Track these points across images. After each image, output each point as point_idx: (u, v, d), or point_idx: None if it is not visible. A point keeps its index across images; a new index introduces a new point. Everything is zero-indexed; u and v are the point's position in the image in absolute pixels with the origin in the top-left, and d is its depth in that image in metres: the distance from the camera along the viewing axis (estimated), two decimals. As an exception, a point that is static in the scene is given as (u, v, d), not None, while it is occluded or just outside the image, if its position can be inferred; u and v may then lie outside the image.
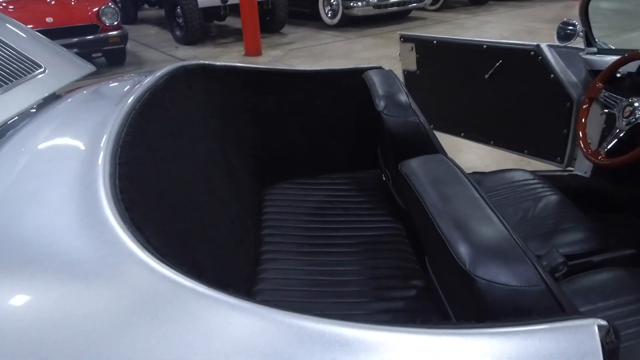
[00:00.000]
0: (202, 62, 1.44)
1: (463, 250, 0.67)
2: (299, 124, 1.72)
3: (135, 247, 0.57)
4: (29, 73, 1.07)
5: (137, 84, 1.05)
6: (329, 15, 8.46)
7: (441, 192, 0.82)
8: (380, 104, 1.31)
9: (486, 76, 2.25)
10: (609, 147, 1.61)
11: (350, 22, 8.33)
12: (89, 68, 1.36)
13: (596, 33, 1.92)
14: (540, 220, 1.61)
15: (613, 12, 7.01)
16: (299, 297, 1.11)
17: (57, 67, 1.17)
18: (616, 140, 1.59)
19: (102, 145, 0.76)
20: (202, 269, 0.93)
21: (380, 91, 1.38)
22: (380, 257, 1.29)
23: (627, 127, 1.54)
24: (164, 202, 0.85)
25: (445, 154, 1.35)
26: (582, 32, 1.82)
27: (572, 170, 2.22)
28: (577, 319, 0.53)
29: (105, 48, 5.65)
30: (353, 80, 1.72)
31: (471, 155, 3.26)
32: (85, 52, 5.52)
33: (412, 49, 2.55)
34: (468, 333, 0.50)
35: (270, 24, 8.14)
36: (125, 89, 1.05)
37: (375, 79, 1.49)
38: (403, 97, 1.32)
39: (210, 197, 1.14)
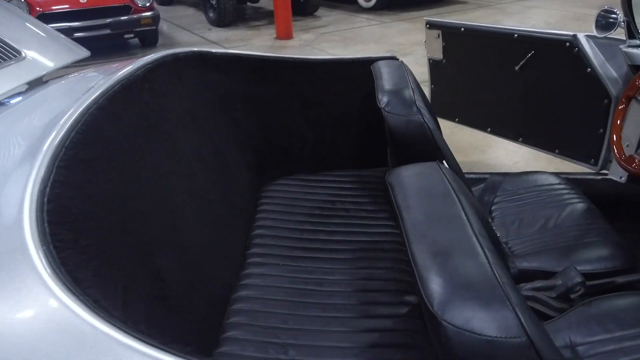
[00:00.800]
0: (199, 49, 1.36)
1: (433, 287, 0.57)
2: (303, 117, 1.63)
3: (45, 271, 0.50)
4: (5, 60, 1.02)
5: (113, 73, 0.99)
6: (365, -3, 8.23)
7: (424, 212, 0.71)
8: (383, 100, 1.20)
9: (517, 68, 2.09)
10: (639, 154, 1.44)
11: (387, 5, 8.07)
12: (81, 54, 1.30)
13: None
14: (563, 231, 1.46)
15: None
16: (277, 307, 1.03)
17: (41, 53, 1.12)
18: None
19: (46, 145, 0.69)
20: (165, 279, 0.86)
21: (385, 85, 1.26)
22: (374, 267, 1.19)
23: None
24: (116, 209, 0.78)
25: (451, 157, 1.23)
26: (623, 22, 1.63)
27: (606, 174, 2.04)
28: None
29: (137, 29, 5.68)
30: (363, 71, 1.60)
31: (500, 151, 3.08)
32: (117, 33, 5.58)
33: (438, 36, 2.40)
34: None
35: (304, 7, 7.99)
36: (102, 79, 0.99)
37: (383, 70, 1.37)
38: (408, 94, 1.20)
39: (189, 198, 1.07)
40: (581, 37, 1.85)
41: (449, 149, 1.25)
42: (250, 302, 1.06)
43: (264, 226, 1.33)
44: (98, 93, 0.89)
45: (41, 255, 0.52)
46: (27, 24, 1.25)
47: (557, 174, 1.78)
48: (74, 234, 0.62)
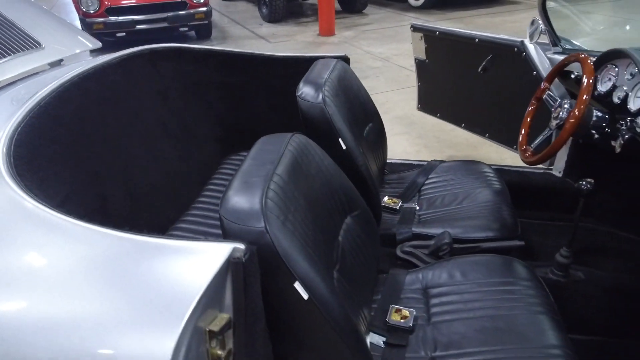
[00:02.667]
0: (175, 45, 1.75)
1: (226, 203, 0.91)
2: (269, 105, 1.98)
3: (5, 176, 0.89)
4: (28, 49, 1.46)
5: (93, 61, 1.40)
6: (415, -4, 8.36)
7: (247, 166, 1.03)
8: (299, 88, 1.53)
9: (479, 70, 2.30)
10: (534, 145, 1.66)
11: (435, 4, 8.16)
12: (93, 45, 1.74)
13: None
14: (466, 206, 1.72)
15: None
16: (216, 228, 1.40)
17: (57, 43, 1.56)
18: (544, 139, 1.64)
19: (25, 105, 1.09)
20: (108, 200, 1.26)
21: (306, 77, 1.58)
22: None
23: (555, 128, 1.58)
24: (74, 150, 1.17)
25: (352, 141, 1.53)
26: (544, 30, 1.82)
27: (551, 169, 2.23)
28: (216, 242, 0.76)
29: (191, 23, 6.27)
30: None
31: (492, 148, 3.25)
32: (174, 27, 6.20)
33: (421, 39, 2.65)
34: None
35: (352, 5, 8.29)
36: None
37: (315, 67, 1.69)
38: (319, 84, 1.51)
39: (144, 152, 1.46)
40: (528, 43, 2.05)
41: (352, 133, 1.55)
42: (189, 224, 1.43)
43: (217, 183, 1.70)
44: (74, 73, 1.30)
45: (3, 169, 0.91)
46: (47, 18, 1.68)
47: (489, 165, 2.01)
48: (32, 159, 1.01)
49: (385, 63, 5.36)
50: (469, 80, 2.43)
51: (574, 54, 1.55)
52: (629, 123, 1.35)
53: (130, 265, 0.75)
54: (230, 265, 0.74)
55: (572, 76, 1.68)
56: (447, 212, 1.71)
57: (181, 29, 6.34)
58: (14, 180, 0.90)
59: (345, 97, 1.67)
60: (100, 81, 1.38)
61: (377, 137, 1.94)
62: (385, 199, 1.84)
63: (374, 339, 1.25)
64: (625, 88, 1.46)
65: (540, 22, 1.82)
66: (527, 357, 1.12)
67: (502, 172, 2.17)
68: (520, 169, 2.21)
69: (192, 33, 6.87)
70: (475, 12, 7.89)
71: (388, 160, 2.23)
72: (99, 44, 1.80)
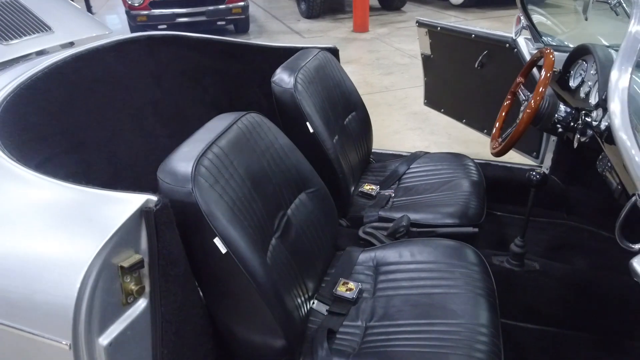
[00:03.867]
0: (174, 32, 1.90)
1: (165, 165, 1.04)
2: (263, 92, 2.10)
3: None
4: (38, 32, 1.65)
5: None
6: (455, -6, 8.25)
7: (205, 129, 1.17)
8: (274, 73, 1.64)
9: (476, 65, 2.33)
10: (502, 137, 1.69)
11: (476, 3, 8.02)
12: (102, 30, 1.92)
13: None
14: (438, 195, 1.78)
15: None
16: None
17: (67, 27, 1.75)
18: (511, 132, 1.67)
19: (18, 79, 1.27)
20: (90, 166, 1.43)
21: (285, 64, 1.69)
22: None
23: None
24: (60, 118, 1.33)
25: (320, 125, 1.62)
26: (526, 27, 1.84)
27: (541, 167, 2.23)
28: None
29: (229, 17, 6.50)
30: None
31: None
32: (211, 21, 6.45)
33: (426, 34, 2.69)
34: None
35: (391, 1, 8.29)
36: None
37: (298, 55, 1.80)
38: (292, 71, 1.62)
39: (131, 126, 1.62)
40: (519, 39, 2.06)
41: (324, 119, 1.65)
42: None
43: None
44: (68, 54, 1.47)
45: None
46: (61, 4, 1.88)
47: (472, 159, 2.05)
48: (16, 124, 1.18)
49: (413, 60, 5.37)
50: (468, 76, 2.45)
51: (541, 49, 1.58)
52: (583, 117, 1.38)
53: (66, 209, 0.89)
54: (143, 213, 0.87)
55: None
56: (418, 200, 1.77)
57: (219, 23, 6.59)
58: None
59: (322, 85, 1.76)
60: (93, 61, 1.54)
61: (360, 126, 2.02)
62: (365, 185, 1.92)
63: (318, 306, 1.34)
64: (590, 83, 1.47)
65: (522, 19, 1.84)
66: (453, 331, 1.18)
67: (488, 166, 2.19)
68: (509, 165, 2.23)
69: (231, 27, 7.12)
70: (515, 11, 7.70)
71: (379, 151, 2.30)
72: (108, 30, 1.98)
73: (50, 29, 1.72)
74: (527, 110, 1.43)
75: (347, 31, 6.97)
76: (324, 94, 1.76)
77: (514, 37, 1.92)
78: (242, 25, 6.96)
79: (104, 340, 0.85)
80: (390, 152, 2.29)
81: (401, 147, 3.40)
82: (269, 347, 1.11)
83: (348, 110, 1.95)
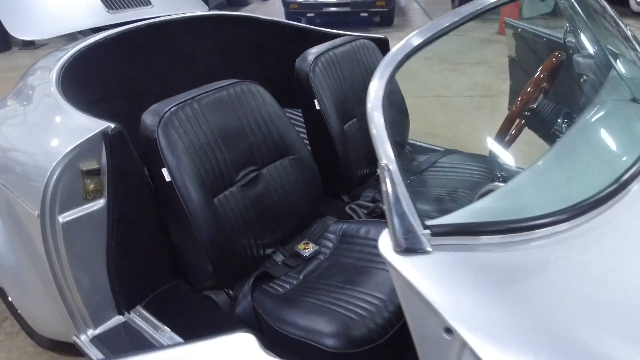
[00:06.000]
0: (245, 14, 2.21)
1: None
2: None
3: (56, 94, 1.49)
4: (139, 6, 2.12)
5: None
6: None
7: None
8: (302, 54, 1.84)
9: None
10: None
11: (664, 11, 6.87)
12: (197, 7, 2.34)
13: None
14: (443, 190, 1.80)
15: None
16: None
17: (166, 4, 2.20)
18: None
19: (81, 44, 1.70)
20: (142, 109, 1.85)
21: (315, 47, 1.87)
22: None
23: None
24: (119, 76, 1.75)
25: (327, 101, 1.78)
26: None
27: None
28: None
29: (372, 10, 6.73)
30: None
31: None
32: (355, 12, 6.76)
33: (512, 36, 2.59)
34: None
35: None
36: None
37: (336, 41, 1.96)
38: (316, 53, 1.80)
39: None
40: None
41: (337, 100, 1.80)
42: None
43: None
44: (144, 23, 1.87)
45: (56, 90, 1.50)
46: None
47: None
48: (83, 67, 1.61)
49: (548, 67, 4.94)
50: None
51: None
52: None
53: (64, 126, 1.27)
54: (102, 135, 1.19)
55: None
56: (422, 191, 1.82)
57: (362, 14, 6.87)
58: (60, 96, 1.48)
59: (346, 71, 1.90)
60: (164, 30, 1.94)
61: (391, 115, 2.10)
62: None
63: (276, 256, 1.54)
64: None
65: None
66: (366, 300, 1.27)
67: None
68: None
69: (377, 19, 7.34)
70: None
71: (418, 143, 2.33)
72: (205, 7, 2.39)
73: (150, 3, 2.19)
74: (513, 108, 1.41)
75: (491, 33, 6.63)
76: (347, 78, 1.90)
77: None
78: (386, 17, 7.12)
79: (63, 218, 1.20)
80: (426, 145, 2.31)
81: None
82: (201, 268, 1.36)
83: None
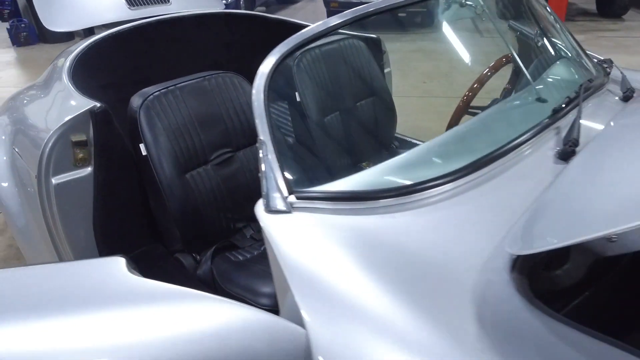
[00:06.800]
0: (252, 12, 2.39)
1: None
2: None
3: (67, 83, 1.76)
4: (158, 4, 2.36)
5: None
6: (702, 5, 6.75)
7: None
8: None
9: None
10: None
11: None
12: (215, 6, 2.56)
13: None
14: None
15: None
16: None
17: (184, 2, 2.44)
18: None
19: (94, 37, 1.95)
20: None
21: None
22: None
23: None
24: (128, 61, 1.99)
25: (309, 97, 1.93)
26: None
27: None
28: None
29: (410, 10, 6.76)
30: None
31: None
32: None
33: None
34: None
35: (609, 7, 7.26)
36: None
37: (325, 39, 2.11)
38: (304, 49, 1.96)
39: (188, 67, 2.21)
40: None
41: (319, 95, 1.94)
42: None
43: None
44: (155, 19, 2.10)
45: (66, 76, 1.76)
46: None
47: None
48: (96, 55, 1.86)
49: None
50: None
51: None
52: None
53: (63, 105, 1.52)
54: (90, 113, 1.42)
55: None
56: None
57: (400, 15, 6.91)
58: (70, 82, 1.74)
59: (331, 66, 2.05)
60: (175, 26, 2.17)
61: (377, 111, 2.22)
62: (364, 164, 2.15)
63: (246, 230, 1.72)
64: None
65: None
66: None
67: None
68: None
69: (418, 19, 7.35)
70: None
71: (407, 138, 2.43)
72: (221, 5, 2.61)
73: (168, 1, 2.43)
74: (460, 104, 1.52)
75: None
76: (331, 75, 2.04)
77: None
78: (425, 18, 7.12)
79: (56, 180, 1.44)
80: (413, 141, 2.41)
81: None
82: (171, 233, 1.57)
83: (365, 95, 2.18)
